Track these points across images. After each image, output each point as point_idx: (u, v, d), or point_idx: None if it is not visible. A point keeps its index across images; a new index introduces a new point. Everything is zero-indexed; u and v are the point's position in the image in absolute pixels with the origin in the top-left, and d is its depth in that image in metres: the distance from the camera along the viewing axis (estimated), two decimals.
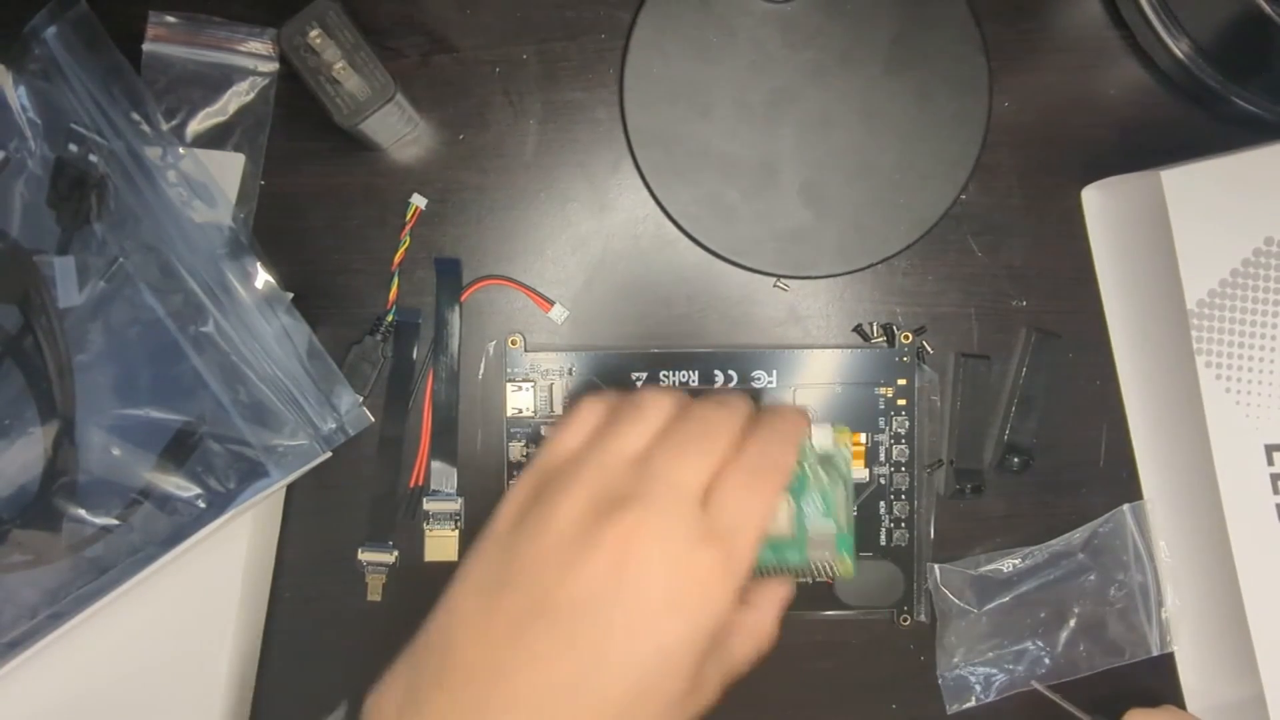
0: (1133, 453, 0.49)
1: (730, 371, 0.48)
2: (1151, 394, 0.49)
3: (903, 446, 0.48)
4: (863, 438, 0.48)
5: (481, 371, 0.48)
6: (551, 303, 0.48)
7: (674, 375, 0.48)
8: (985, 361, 0.49)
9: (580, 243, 0.48)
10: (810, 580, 0.48)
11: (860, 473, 0.48)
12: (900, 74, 0.47)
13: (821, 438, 0.41)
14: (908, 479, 0.48)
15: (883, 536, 0.49)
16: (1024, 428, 0.49)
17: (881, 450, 0.48)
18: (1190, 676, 0.49)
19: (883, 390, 0.48)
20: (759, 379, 0.48)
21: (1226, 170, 0.43)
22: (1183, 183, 0.43)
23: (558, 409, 0.48)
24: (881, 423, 0.48)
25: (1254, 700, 0.43)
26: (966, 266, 0.49)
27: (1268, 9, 0.43)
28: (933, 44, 0.47)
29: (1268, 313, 0.43)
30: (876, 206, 0.47)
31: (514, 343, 0.48)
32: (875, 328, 0.49)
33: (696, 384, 0.48)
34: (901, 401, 0.48)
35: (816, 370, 0.48)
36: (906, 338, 0.48)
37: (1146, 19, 0.47)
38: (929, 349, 0.49)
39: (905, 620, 0.49)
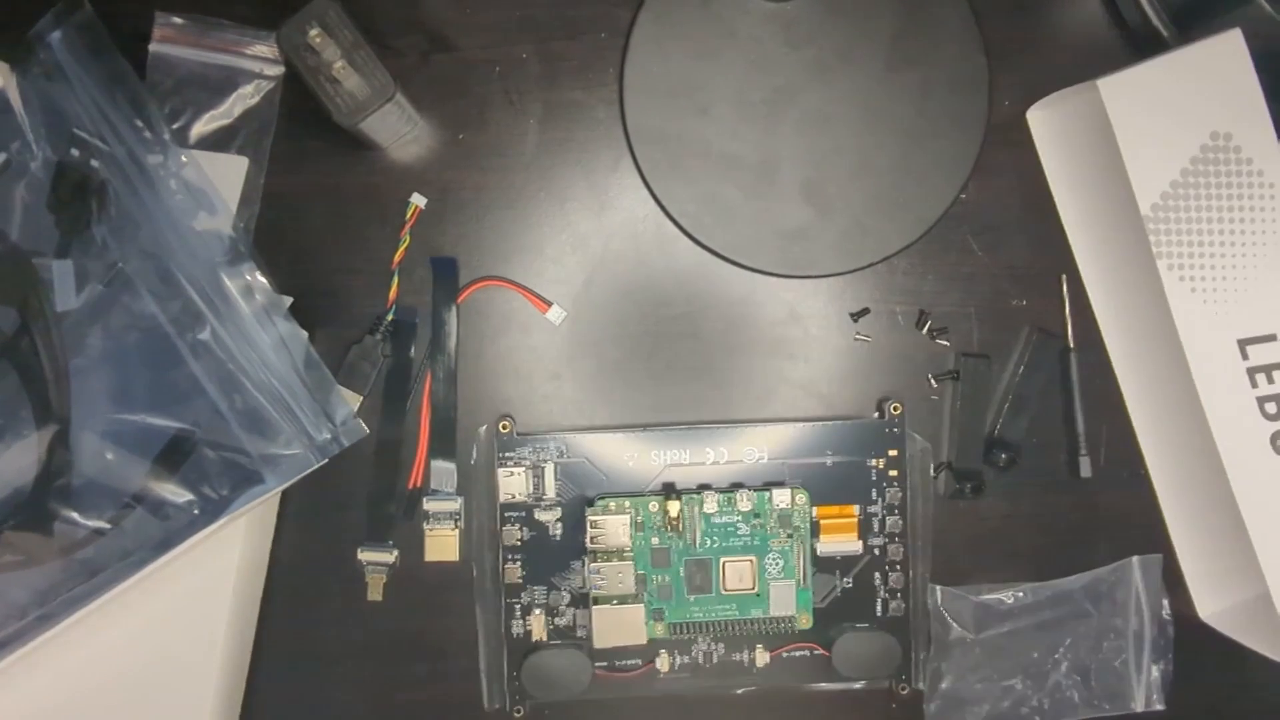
0: (1137, 451, 0.49)
1: (722, 449, 0.48)
2: (1122, 309, 0.48)
3: (896, 518, 0.48)
4: (856, 510, 0.48)
5: (474, 456, 0.48)
6: (549, 304, 0.48)
7: (665, 453, 0.48)
8: (985, 361, 0.48)
9: (580, 242, 0.48)
10: (809, 654, 0.48)
11: (854, 545, 0.48)
12: (900, 73, 0.47)
13: (780, 499, 0.46)
14: (901, 549, 0.48)
15: (878, 608, 0.48)
16: (1015, 425, 0.49)
17: (875, 522, 0.48)
18: (1198, 584, 0.49)
19: (874, 462, 0.48)
20: (750, 455, 0.48)
21: (1162, 71, 0.42)
22: (1121, 89, 0.42)
23: (550, 492, 0.47)
24: (874, 494, 0.48)
25: (1260, 599, 0.43)
26: (966, 266, 0.49)
27: (1268, 8, 0.44)
28: (933, 43, 0.47)
29: (1223, 207, 0.43)
30: (877, 205, 0.47)
31: (504, 428, 0.47)
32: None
33: (688, 462, 0.48)
34: (893, 473, 0.48)
35: (807, 444, 0.48)
36: (896, 409, 0.48)
37: (1147, 19, 0.47)
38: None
39: (904, 689, 0.48)
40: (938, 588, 0.48)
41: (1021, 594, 0.49)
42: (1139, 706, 0.49)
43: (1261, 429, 0.42)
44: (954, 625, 0.48)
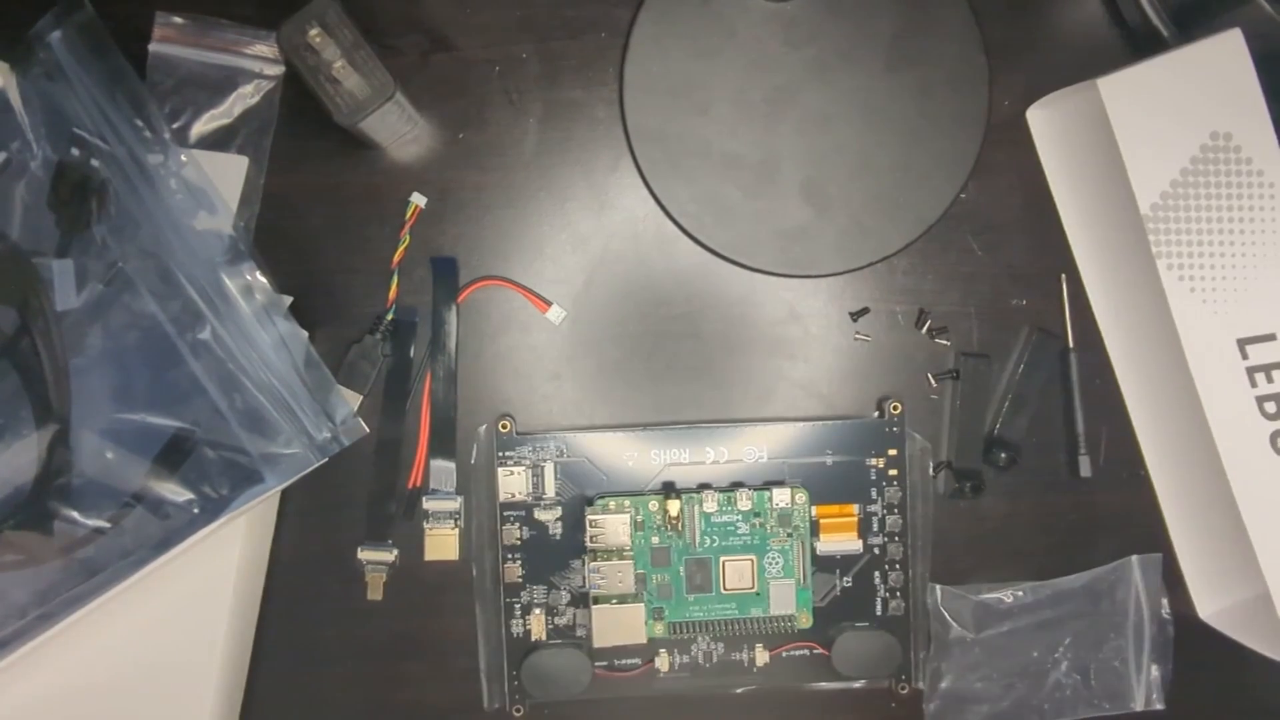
0: (1137, 451, 0.49)
1: (722, 448, 0.48)
2: (1122, 309, 0.49)
3: (895, 517, 0.48)
4: (855, 509, 0.48)
5: (474, 455, 0.48)
6: (549, 303, 0.48)
7: (665, 453, 0.48)
8: (985, 360, 0.48)
9: (580, 241, 0.48)
10: (808, 653, 0.48)
11: (853, 544, 0.48)
12: (900, 72, 0.47)
13: (780, 498, 0.46)
14: (901, 549, 0.48)
15: (878, 607, 0.48)
16: (1015, 424, 0.49)
17: (874, 521, 0.48)
18: (1198, 583, 0.49)
19: (874, 461, 0.48)
20: (750, 455, 0.48)
21: (1162, 71, 0.42)
22: (1121, 89, 0.42)
23: (550, 492, 0.47)
24: (874, 494, 0.48)
25: (1260, 599, 0.43)
26: (966, 265, 0.49)
27: (1268, 8, 0.43)
28: (933, 42, 0.47)
29: (1222, 207, 0.43)
30: (876, 205, 0.47)
31: (504, 427, 0.47)
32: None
33: (688, 461, 0.48)
34: (893, 472, 0.48)
35: (807, 443, 0.48)
36: (896, 408, 0.48)
37: (1147, 18, 0.47)
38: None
39: (904, 689, 0.48)
40: (937, 587, 0.48)
41: (1021, 593, 0.49)
42: (1139, 705, 0.49)
43: (1261, 429, 0.42)
44: (954, 625, 0.48)
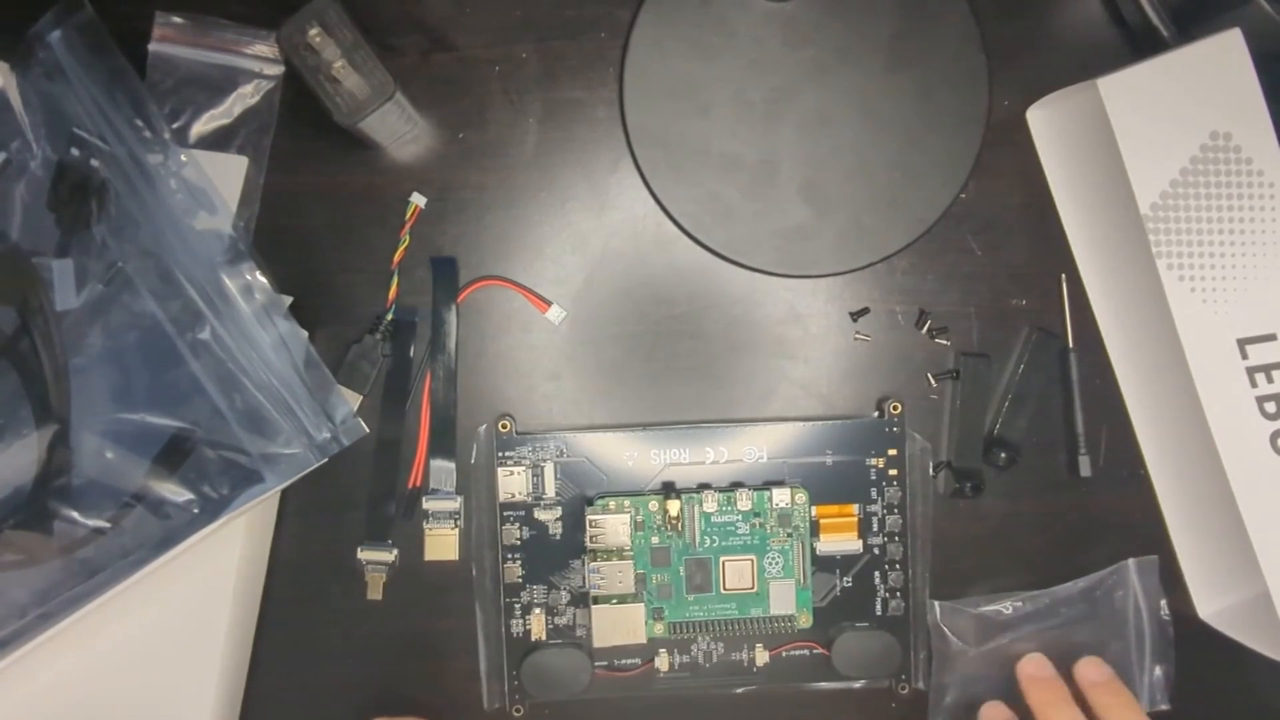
0: (1137, 451, 0.49)
1: (722, 448, 0.48)
2: (1122, 309, 0.49)
3: (895, 517, 0.48)
4: (855, 509, 0.48)
5: (474, 455, 0.48)
6: (549, 303, 0.48)
7: (665, 453, 0.48)
8: (985, 360, 0.48)
9: (580, 241, 0.48)
10: (808, 653, 0.48)
11: (853, 544, 0.48)
12: (900, 72, 0.47)
13: (780, 498, 0.46)
14: (901, 549, 0.48)
15: (878, 606, 0.48)
16: (1015, 424, 0.49)
17: (874, 521, 0.48)
18: (1198, 583, 0.49)
19: (874, 461, 0.48)
20: (750, 455, 0.48)
21: (1163, 71, 0.42)
22: (1121, 89, 0.42)
23: (550, 492, 0.47)
24: (874, 494, 0.48)
25: (1260, 599, 0.43)
26: (966, 265, 0.49)
27: (1268, 8, 0.44)
28: (933, 42, 0.47)
29: (1222, 206, 0.43)
30: (876, 205, 0.47)
31: (504, 427, 0.47)
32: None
33: (688, 461, 0.48)
34: (893, 472, 0.48)
35: (807, 443, 0.48)
36: (896, 408, 0.48)
37: (1147, 18, 0.47)
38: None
39: (904, 689, 0.48)
40: (936, 603, 0.48)
41: (1020, 603, 0.48)
42: (1145, 707, 0.49)
43: (1261, 429, 0.42)
44: (954, 639, 0.48)
